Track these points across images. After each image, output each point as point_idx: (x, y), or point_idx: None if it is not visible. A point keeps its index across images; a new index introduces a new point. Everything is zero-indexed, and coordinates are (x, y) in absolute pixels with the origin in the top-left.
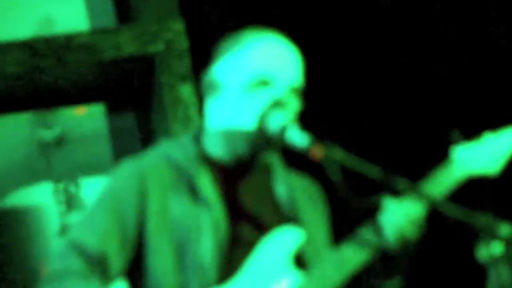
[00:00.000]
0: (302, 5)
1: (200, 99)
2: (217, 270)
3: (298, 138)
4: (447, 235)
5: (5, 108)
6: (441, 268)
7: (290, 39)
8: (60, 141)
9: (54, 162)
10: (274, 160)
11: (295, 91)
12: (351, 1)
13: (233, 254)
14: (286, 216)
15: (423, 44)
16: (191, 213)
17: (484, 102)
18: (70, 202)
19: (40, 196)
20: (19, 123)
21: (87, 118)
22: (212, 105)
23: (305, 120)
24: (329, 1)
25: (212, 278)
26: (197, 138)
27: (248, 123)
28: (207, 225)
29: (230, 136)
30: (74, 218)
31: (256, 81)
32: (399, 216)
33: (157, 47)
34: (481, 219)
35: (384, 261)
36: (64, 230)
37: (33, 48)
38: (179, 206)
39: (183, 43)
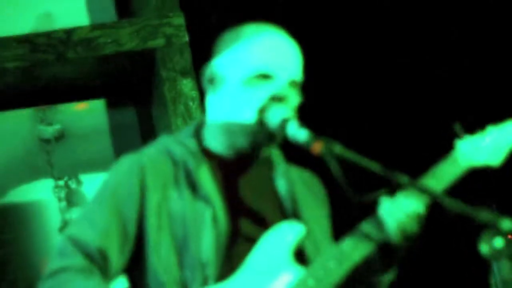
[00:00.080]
0: (302, 4)
1: (201, 93)
2: (217, 265)
3: (298, 132)
4: (451, 230)
5: (5, 105)
6: (445, 262)
7: (290, 34)
8: (60, 137)
9: (54, 158)
10: (274, 154)
11: (295, 85)
12: (352, 1)
13: (234, 249)
14: (286, 210)
15: (423, 45)
16: (191, 209)
17: (483, 101)
18: (71, 198)
19: (40, 193)
20: (19, 120)
21: (87, 114)
22: (212, 99)
23: (306, 118)
24: (330, 1)
25: (212, 274)
26: (198, 132)
27: (248, 117)
28: (208, 220)
29: (230, 130)
30: (75, 214)
31: (256, 75)
32: (399, 211)
33: (158, 42)
34: (483, 214)
35: (384, 255)
36: (65, 226)
37: (32, 44)
38: (179, 201)
39: (184, 38)
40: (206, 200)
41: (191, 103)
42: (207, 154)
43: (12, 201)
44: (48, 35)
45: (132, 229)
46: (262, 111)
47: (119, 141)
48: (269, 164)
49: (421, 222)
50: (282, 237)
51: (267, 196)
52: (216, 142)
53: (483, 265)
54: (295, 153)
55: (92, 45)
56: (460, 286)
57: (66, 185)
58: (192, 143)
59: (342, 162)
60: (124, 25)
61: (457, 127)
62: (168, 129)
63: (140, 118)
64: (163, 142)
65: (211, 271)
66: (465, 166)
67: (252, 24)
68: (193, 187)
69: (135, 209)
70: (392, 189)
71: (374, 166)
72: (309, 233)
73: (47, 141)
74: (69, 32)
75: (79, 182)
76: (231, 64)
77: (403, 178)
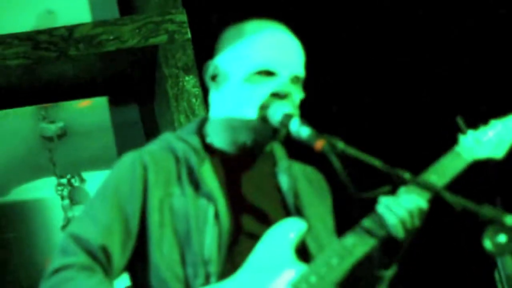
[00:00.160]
0: (303, 1)
1: (204, 90)
2: (220, 262)
3: (301, 129)
4: (455, 226)
5: (7, 102)
6: (449, 258)
7: (291, 31)
8: (63, 135)
9: (57, 156)
10: (277, 151)
11: (297, 81)
12: (352, 0)
13: (236, 246)
14: (289, 206)
15: (423, 43)
16: (193, 205)
17: (484, 99)
18: (74, 196)
19: (43, 191)
20: (21, 117)
21: (90, 112)
22: (215, 95)
23: (308, 115)
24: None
25: (215, 271)
26: (200, 128)
27: (250, 113)
28: (210, 217)
29: (232, 126)
30: (78, 212)
31: (259, 71)
32: (401, 207)
33: (160, 39)
34: (487, 210)
35: (385, 250)
36: (68, 224)
37: (34, 41)
38: (181, 198)
39: (186, 34)
40: (209, 197)
41: (194, 100)
42: (210, 150)
43: (14, 200)
44: (50, 32)
45: (134, 226)
46: (264, 107)
47: (122, 138)
48: (271, 160)
49: (423, 217)
50: (284, 234)
51: (269, 192)
52: (218, 139)
53: (489, 261)
54: (297, 149)
55: (94, 42)
56: (466, 282)
57: (69, 183)
58: (194, 140)
59: (344, 158)
60: (126, 22)
61: (460, 121)
62: (171, 126)
63: (143, 115)
64: (166, 139)
65: (214, 268)
66: (468, 160)
67: (255, 21)
68: (196, 183)
69: (137, 206)
70: (394, 185)
71: (375, 162)
72: (311, 230)
73: (49, 139)
74: (71, 29)
75: (82, 180)
76: (234, 61)
77: (405, 174)
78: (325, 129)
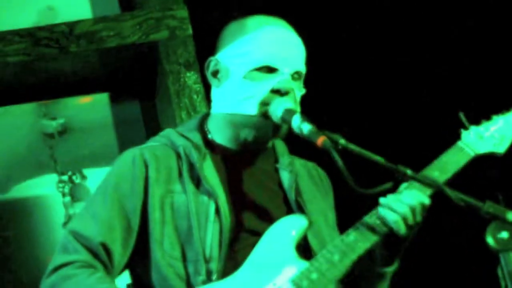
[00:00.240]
0: (303, 3)
1: (206, 86)
2: (221, 259)
3: (302, 125)
4: (458, 222)
5: (7, 99)
6: (452, 255)
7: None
8: (64, 132)
9: (58, 153)
10: (279, 147)
11: (298, 77)
12: (352, 0)
13: (238, 243)
14: (290, 202)
15: (423, 44)
16: (195, 202)
17: (483, 99)
18: (75, 193)
19: (44, 188)
20: (22, 114)
21: (91, 108)
22: (216, 91)
23: (309, 114)
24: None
25: (216, 268)
26: (202, 125)
27: (252, 109)
28: (211, 214)
29: (234, 123)
30: (79, 209)
31: (260, 68)
32: (403, 203)
33: (161, 35)
34: (490, 206)
35: (387, 246)
36: (69, 221)
37: (35, 37)
38: (182, 195)
39: (187, 30)
40: (210, 193)
41: (195, 96)
42: (211, 146)
43: (15, 197)
44: (51, 28)
45: (135, 223)
46: (265, 104)
47: (123, 135)
48: (273, 157)
49: (424, 212)
50: (286, 231)
51: (271, 188)
52: (220, 135)
53: (491, 258)
54: (299, 146)
55: (95, 39)
56: (468, 279)
57: (70, 180)
58: (196, 136)
59: (346, 155)
60: (127, 18)
61: (462, 116)
62: (172, 122)
63: (144, 111)
64: (167, 135)
65: (215, 265)
66: (470, 155)
67: (256, 17)
68: (197, 180)
69: (138, 203)
70: (396, 181)
71: (377, 158)
72: (313, 226)
73: (50, 135)
74: (71, 26)
75: (83, 177)
76: (235, 57)
77: (406, 170)
78: (327, 127)
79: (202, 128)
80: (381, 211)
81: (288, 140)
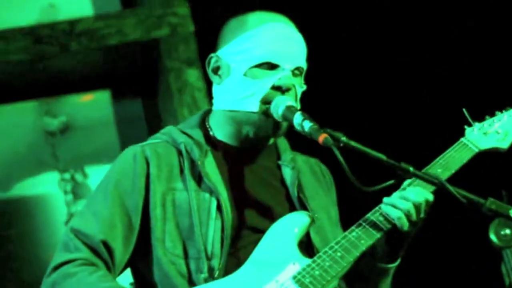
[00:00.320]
0: (304, 3)
1: (208, 83)
2: (223, 257)
3: (304, 122)
4: (461, 219)
5: (9, 97)
6: (455, 252)
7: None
8: (65, 130)
9: (59, 151)
10: (280, 143)
11: (299, 73)
12: (353, 0)
13: (240, 240)
14: (292, 199)
15: (423, 44)
16: (196, 199)
17: (483, 100)
18: (77, 191)
19: (46, 186)
20: (24, 112)
21: (93, 106)
22: (218, 88)
23: (310, 113)
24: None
25: (218, 265)
26: (203, 121)
27: (253, 106)
28: (213, 211)
29: (235, 119)
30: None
31: (261, 64)
32: (406, 201)
33: (162, 32)
34: (492, 203)
35: (390, 243)
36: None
37: (36, 35)
38: (184, 192)
39: (189, 27)
40: (211, 190)
41: (197, 94)
42: (213, 143)
43: (17, 195)
44: (52, 26)
45: (136, 220)
46: (267, 101)
47: (125, 132)
48: (275, 153)
49: (428, 208)
50: (288, 229)
51: (273, 185)
52: (221, 132)
53: (495, 255)
54: (302, 142)
55: (96, 36)
56: (472, 276)
57: (72, 178)
58: (197, 133)
59: (350, 153)
60: (128, 16)
61: (466, 112)
62: (174, 119)
63: (146, 109)
64: (168, 132)
65: (217, 262)
66: (474, 150)
67: (257, 13)
68: (198, 177)
69: (139, 201)
70: (398, 179)
71: (379, 156)
72: (315, 223)
73: (52, 133)
74: (73, 23)
75: (85, 175)
76: (236, 54)
77: (409, 168)
78: (329, 126)
79: (203, 125)
80: (384, 207)
81: (290, 136)
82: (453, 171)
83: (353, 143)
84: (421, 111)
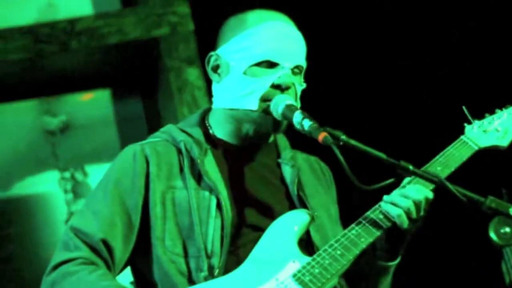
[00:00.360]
0: (304, 4)
1: (208, 82)
2: (223, 255)
3: (303, 121)
4: (461, 217)
5: (9, 96)
6: (455, 251)
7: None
8: (65, 129)
9: (60, 149)
10: (280, 141)
11: (299, 72)
12: (354, 3)
13: (240, 239)
14: (292, 197)
15: (424, 46)
16: (196, 198)
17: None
18: (78, 190)
19: (46, 185)
20: (24, 111)
21: (92, 104)
22: (217, 86)
23: (313, 114)
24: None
25: (218, 263)
26: (203, 119)
27: (253, 105)
28: (213, 209)
29: (235, 118)
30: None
31: (261, 63)
32: (406, 198)
33: (162, 31)
34: (492, 202)
35: (390, 241)
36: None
37: (35, 34)
38: (184, 190)
39: (189, 26)
40: (211, 188)
41: (197, 92)
42: (213, 142)
43: (17, 194)
44: (52, 25)
45: (136, 219)
46: (266, 100)
47: (126, 131)
48: (275, 151)
49: (428, 206)
50: (288, 226)
51: (273, 183)
52: (221, 130)
53: (495, 253)
54: (301, 141)
55: (96, 35)
56: (472, 274)
57: (72, 177)
58: (197, 132)
59: (350, 152)
60: (128, 14)
61: (465, 110)
62: (174, 118)
63: (146, 107)
64: (168, 131)
65: (217, 260)
66: (474, 148)
67: (256, 11)
68: (198, 176)
69: (139, 199)
70: (398, 177)
71: (379, 154)
72: (315, 221)
73: (52, 132)
74: (72, 22)
75: (85, 174)
76: (235, 52)
77: (409, 166)
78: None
79: (203, 123)
80: (384, 205)
81: (290, 134)
82: (452, 169)
83: (352, 142)
84: (421, 109)
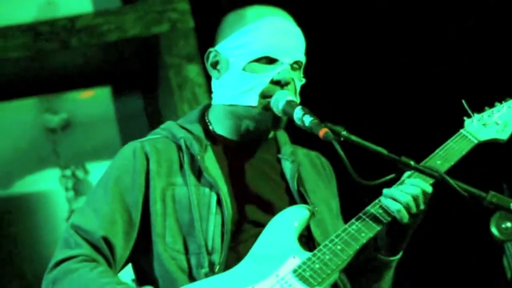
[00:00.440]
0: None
1: (208, 78)
2: (224, 251)
3: (304, 117)
4: (462, 212)
5: (9, 94)
6: (457, 246)
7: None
8: (66, 126)
9: (60, 147)
10: (280, 137)
11: (298, 67)
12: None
13: (240, 235)
14: (293, 193)
15: (423, 44)
16: (196, 194)
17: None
18: (79, 188)
19: (47, 183)
20: (24, 109)
21: (93, 102)
22: (217, 83)
23: (312, 109)
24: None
25: (219, 260)
26: (203, 115)
27: (252, 101)
28: (213, 206)
29: (235, 114)
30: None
31: (260, 59)
32: (406, 193)
33: (162, 28)
34: (493, 196)
35: (391, 236)
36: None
37: (36, 32)
38: (184, 187)
39: (189, 23)
40: (211, 185)
41: (197, 89)
42: (213, 138)
43: (18, 192)
44: (52, 23)
45: (136, 216)
46: (266, 95)
47: (126, 128)
48: (275, 147)
49: (427, 200)
50: (288, 222)
51: (273, 179)
52: (221, 126)
53: (496, 248)
54: (302, 137)
55: (96, 32)
56: (474, 269)
57: (73, 175)
58: (197, 128)
59: (350, 147)
60: (128, 12)
61: (465, 103)
62: (175, 115)
63: (147, 105)
64: (168, 128)
65: (217, 257)
66: (473, 142)
67: (255, 7)
68: (198, 172)
69: (139, 196)
70: (398, 172)
71: (379, 150)
72: (316, 216)
73: (53, 130)
74: (72, 20)
75: (86, 171)
76: (235, 48)
77: (410, 162)
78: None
79: (203, 120)
80: (384, 200)
81: (290, 130)
82: (452, 163)
83: (353, 137)
84: (420, 104)
